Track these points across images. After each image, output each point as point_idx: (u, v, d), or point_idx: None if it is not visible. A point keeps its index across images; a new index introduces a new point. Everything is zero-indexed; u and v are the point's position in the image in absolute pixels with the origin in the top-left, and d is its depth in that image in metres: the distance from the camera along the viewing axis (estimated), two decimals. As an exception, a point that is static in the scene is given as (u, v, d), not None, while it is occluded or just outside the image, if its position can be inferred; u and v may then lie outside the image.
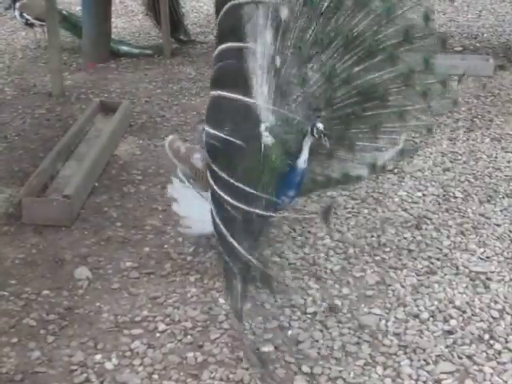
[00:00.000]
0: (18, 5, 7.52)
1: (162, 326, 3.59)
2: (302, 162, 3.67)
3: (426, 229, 4.50)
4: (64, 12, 7.64)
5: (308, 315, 3.73)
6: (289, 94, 3.80)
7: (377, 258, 4.21)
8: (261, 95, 3.63)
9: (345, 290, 3.93)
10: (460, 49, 7.95)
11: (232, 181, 3.42)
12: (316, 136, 3.59)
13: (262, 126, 3.65)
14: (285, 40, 3.73)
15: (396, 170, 5.19)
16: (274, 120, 3.70)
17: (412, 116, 4.12)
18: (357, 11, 3.88)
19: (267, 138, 3.65)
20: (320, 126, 3.58)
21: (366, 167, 4.12)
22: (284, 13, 3.65)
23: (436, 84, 4.11)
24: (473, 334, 3.62)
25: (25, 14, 7.51)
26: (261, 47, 3.58)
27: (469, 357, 3.47)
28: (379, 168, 4.22)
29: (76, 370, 3.35)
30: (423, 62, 4.04)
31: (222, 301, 3.79)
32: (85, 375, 3.31)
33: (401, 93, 4.07)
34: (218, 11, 3.67)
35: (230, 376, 3.33)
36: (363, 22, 3.89)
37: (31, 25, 7.61)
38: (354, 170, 4.11)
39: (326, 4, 3.81)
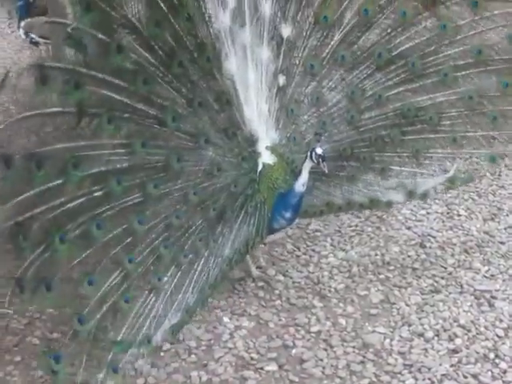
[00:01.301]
0: (23, 24, 7.57)
1: (166, 345, 3.56)
2: (300, 185, 3.55)
3: (430, 247, 4.49)
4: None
5: (312, 334, 3.72)
6: (298, 113, 3.72)
7: (381, 276, 4.20)
8: (258, 113, 3.57)
9: (349, 309, 3.91)
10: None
11: None
12: (314, 161, 3.46)
13: (261, 145, 3.62)
14: (290, 58, 3.66)
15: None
16: (277, 139, 3.68)
17: (471, 142, 3.95)
18: (400, 30, 3.72)
19: (269, 157, 3.64)
20: (319, 150, 3.43)
21: (402, 193, 4.00)
22: (286, 31, 3.63)
23: None
24: (478, 352, 3.60)
25: (30, 33, 7.55)
26: (254, 65, 3.50)
27: (474, 376, 3.45)
28: (419, 196, 4.10)
29: (79, 388, 3.33)
30: (501, 86, 3.85)
31: (226, 320, 3.78)
32: (88, 394, 3.30)
33: (461, 117, 3.88)
34: None
35: (234, 395, 3.32)
36: (409, 43, 3.73)
37: (36, 43, 7.65)
38: (385, 194, 3.98)
39: (348, 23, 3.68)
